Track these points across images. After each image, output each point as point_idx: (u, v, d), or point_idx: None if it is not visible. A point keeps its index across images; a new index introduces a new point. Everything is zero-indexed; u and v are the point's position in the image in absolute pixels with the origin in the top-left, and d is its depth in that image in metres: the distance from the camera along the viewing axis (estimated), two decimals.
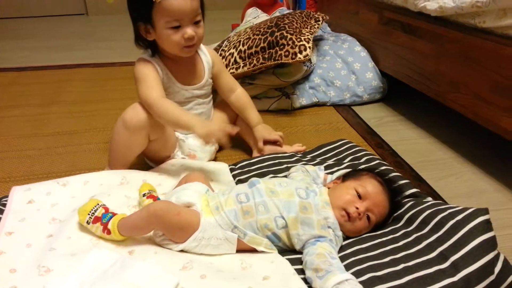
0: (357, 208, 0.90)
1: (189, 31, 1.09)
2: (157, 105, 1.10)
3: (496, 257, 0.79)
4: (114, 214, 0.88)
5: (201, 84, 1.24)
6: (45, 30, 3.59)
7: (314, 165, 1.15)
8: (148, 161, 1.28)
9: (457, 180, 1.26)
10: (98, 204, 0.90)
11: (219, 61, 1.31)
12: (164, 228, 0.86)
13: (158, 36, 1.11)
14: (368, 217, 0.92)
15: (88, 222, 0.88)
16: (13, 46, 3.00)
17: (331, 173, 1.11)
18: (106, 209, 0.90)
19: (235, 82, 1.34)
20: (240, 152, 1.38)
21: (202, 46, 1.25)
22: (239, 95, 1.33)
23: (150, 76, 1.14)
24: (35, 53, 2.77)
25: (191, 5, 1.07)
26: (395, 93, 1.87)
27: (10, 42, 3.12)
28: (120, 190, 1.05)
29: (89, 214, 0.88)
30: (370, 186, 0.94)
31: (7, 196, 1.01)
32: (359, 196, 0.92)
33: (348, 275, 0.77)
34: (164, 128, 1.18)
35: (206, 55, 1.26)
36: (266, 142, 1.32)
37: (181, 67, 1.20)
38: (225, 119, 1.36)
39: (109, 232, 0.85)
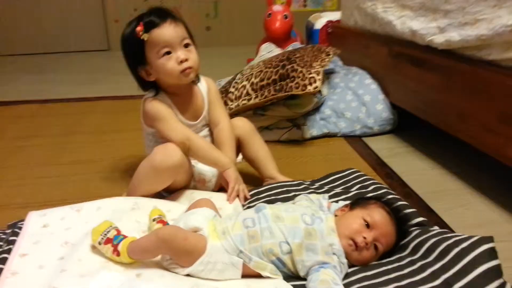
0: (364, 238, 0.91)
1: (181, 54, 1.15)
2: (195, 140, 1.19)
3: (502, 286, 0.78)
4: (125, 237, 0.91)
5: (203, 115, 1.29)
6: (68, 64, 3.77)
7: (321, 192, 1.17)
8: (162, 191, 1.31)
9: (466, 211, 1.25)
10: (111, 226, 0.94)
11: (214, 90, 1.31)
12: (172, 252, 0.87)
13: (156, 71, 1.16)
14: (376, 247, 0.93)
15: (99, 243, 0.91)
16: (38, 79, 3.15)
17: (337, 201, 1.12)
18: (118, 231, 0.93)
19: (221, 116, 1.30)
20: (249, 181, 1.40)
21: (201, 77, 1.28)
22: (221, 130, 1.29)
23: (171, 113, 1.20)
24: (58, 86, 2.90)
25: (175, 30, 1.14)
26: (405, 125, 1.88)
27: (35, 76, 3.28)
28: (131, 215, 1.08)
29: (101, 235, 0.91)
30: (378, 216, 0.94)
31: (23, 220, 1.05)
32: (367, 226, 0.92)
33: None
34: (190, 168, 1.21)
35: (203, 84, 1.30)
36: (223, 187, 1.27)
37: (184, 103, 1.24)
38: None
39: (118, 254, 0.87)
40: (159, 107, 1.19)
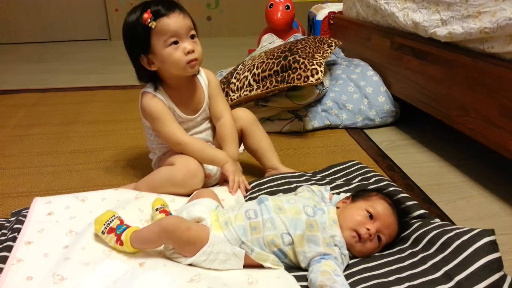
0: (368, 229, 0.91)
1: (188, 45, 1.15)
2: (187, 144, 1.20)
3: (503, 279, 0.79)
4: (128, 226, 0.92)
5: (203, 109, 1.28)
6: (69, 54, 3.75)
7: (323, 184, 1.17)
8: None
9: (467, 204, 1.26)
10: (114, 216, 0.94)
11: (215, 83, 1.30)
12: (174, 242, 0.88)
13: (161, 60, 1.15)
14: (379, 238, 0.93)
15: (103, 232, 0.92)
16: (38, 68, 3.13)
17: (339, 193, 1.12)
18: (121, 221, 0.94)
19: (223, 110, 1.29)
20: (251, 172, 1.41)
21: (200, 69, 1.27)
22: (223, 124, 1.28)
23: (166, 114, 1.19)
24: (59, 75, 2.89)
25: (184, 21, 1.15)
26: (407, 117, 1.88)
27: (35, 65, 3.27)
28: (135, 203, 1.09)
29: (104, 225, 0.92)
30: (381, 207, 0.94)
31: (28, 208, 1.06)
32: (370, 217, 0.93)
33: None
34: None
35: (203, 77, 1.29)
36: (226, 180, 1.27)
37: (182, 97, 1.24)
38: None
39: (122, 243, 0.88)
40: (156, 106, 1.19)
